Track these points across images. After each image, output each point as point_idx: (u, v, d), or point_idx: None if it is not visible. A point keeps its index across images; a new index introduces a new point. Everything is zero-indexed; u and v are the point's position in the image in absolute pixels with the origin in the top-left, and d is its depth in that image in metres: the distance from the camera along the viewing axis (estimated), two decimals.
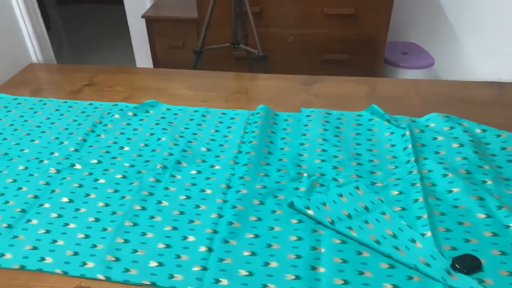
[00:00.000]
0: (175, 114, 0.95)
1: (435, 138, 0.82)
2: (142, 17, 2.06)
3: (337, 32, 1.85)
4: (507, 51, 2.32)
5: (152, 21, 2.07)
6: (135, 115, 0.95)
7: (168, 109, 0.97)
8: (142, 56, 2.40)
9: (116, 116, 0.94)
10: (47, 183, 0.75)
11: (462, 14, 2.25)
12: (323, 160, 0.78)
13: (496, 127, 0.85)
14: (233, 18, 1.41)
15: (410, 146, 0.80)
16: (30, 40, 1.23)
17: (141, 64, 2.46)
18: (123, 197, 0.71)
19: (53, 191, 0.73)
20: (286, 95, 1.03)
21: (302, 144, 0.84)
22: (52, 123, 0.93)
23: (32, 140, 0.87)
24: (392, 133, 0.86)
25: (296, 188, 0.72)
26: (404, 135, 0.83)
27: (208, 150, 0.83)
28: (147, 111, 0.96)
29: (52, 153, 0.83)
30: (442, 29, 2.30)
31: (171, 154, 0.81)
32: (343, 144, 0.83)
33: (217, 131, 0.89)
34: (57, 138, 0.87)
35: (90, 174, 0.77)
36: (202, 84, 1.09)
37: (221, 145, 0.85)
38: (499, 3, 2.20)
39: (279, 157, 0.81)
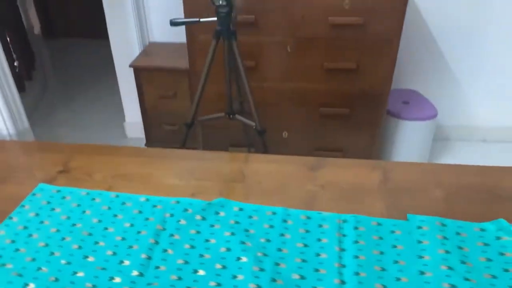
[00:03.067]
0: (250, 216, 0.81)
1: None
2: (130, 66, 1.95)
3: (337, 86, 1.75)
4: (508, 94, 2.25)
5: (140, 71, 1.96)
6: (203, 219, 0.80)
7: (241, 209, 0.83)
8: (131, 103, 2.28)
9: (183, 222, 0.79)
10: None
11: (463, 60, 2.18)
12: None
13: None
14: (228, 84, 1.30)
15: None
16: (0, 112, 1.10)
17: (130, 112, 2.34)
18: None
19: None
20: (290, 185, 0.90)
21: (422, 273, 0.68)
22: (106, 228, 0.78)
23: (86, 257, 0.72)
24: None
25: None
26: None
27: (302, 277, 0.68)
28: (217, 213, 0.82)
29: (112, 278, 0.68)
30: (442, 76, 2.22)
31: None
32: (475, 276, 0.67)
33: (305, 245, 0.74)
34: (114, 253, 0.73)
35: None
36: (193, 169, 0.96)
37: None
38: (498, 47, 2.13)
39: None
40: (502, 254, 0.71)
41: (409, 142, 2.02)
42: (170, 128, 2.05)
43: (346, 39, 1.65)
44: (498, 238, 0.74)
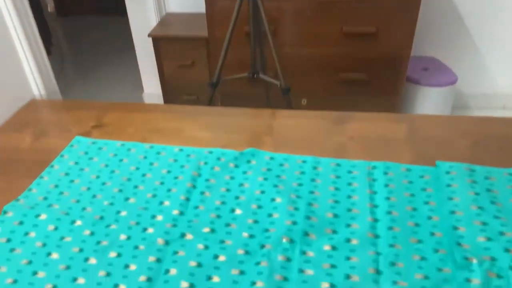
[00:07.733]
0: (281, 164, 0.83)
1: None
2: (149, 36, 1.97)
3: (356, 51, 1.74)
4: None
5: (159, 40, 1.98)
6: (236, 166, 0.83)
7: (272, 158, 0.85)
8: (149, 75, 2.30)
9: (217, 168, 0.83)
10: (158, 260, 0.64)
11: (483, 27, 2.15)
12: (488, 239, 0.64)
13: None
14: (252, 44, 1.31)
15: None
16: (32, 73, 1.13)
17: (148, 83, 2.37)
18: (253, 283, 0.60)
19: (167, 271, 0.62)
20: (318, 137, 0.92)
21: (453, 212, 0.70)
22: (144, 174, 0.82)
23: (127, 199, 0.76)
24: None
25: (468, 280, 0.59)
26: None
27: (335, 216, 0.71)
28: (249, 161, 0.85)
29: (154, 216, 0.72)
30: (462, 43, 2.19)
31: (294, 223, 0.69)
32: (506, 215, 0.69)
33: (336, 189, 0.77)
34: (154, 195, 0.76)
35: (206, 247, 0.66)
36: (221, 124, 0.98)
37: (349, 210, 0.72)
38: None
39: (429, 229, 0.68)
40: None
41: (429, 109, 2.02)
42: (189, 98, 2.07)
43: (366, 2, 1.64)
44: None
